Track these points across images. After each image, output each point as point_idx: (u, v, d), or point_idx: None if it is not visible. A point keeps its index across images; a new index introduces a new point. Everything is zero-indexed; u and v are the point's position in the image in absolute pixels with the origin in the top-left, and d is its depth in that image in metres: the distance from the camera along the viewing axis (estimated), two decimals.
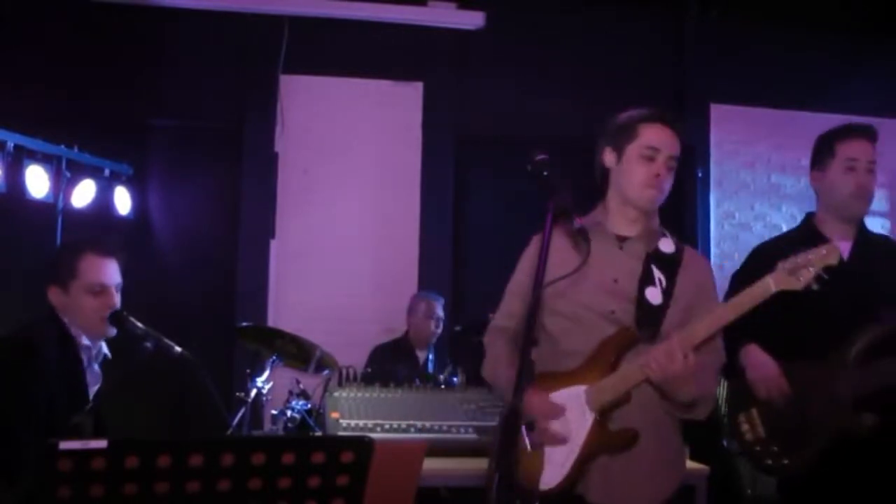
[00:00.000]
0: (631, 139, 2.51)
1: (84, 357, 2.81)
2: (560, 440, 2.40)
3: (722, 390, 4.51)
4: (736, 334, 2.98)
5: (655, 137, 2.49)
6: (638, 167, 2.48)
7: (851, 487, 2.83)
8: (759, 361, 2.92)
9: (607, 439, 2.41)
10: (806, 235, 3.05)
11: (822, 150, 3.04)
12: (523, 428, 2.41)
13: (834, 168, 2.99)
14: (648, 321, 2.43)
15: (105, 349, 2.90)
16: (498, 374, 2.57)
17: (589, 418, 2.41)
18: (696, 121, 6.40)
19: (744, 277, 3.13)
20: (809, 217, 3.12)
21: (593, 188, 2.67)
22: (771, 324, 2.91)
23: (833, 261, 2.38)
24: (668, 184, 2.52)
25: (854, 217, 3.01)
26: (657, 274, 2.48)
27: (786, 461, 2.88)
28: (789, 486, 3.01)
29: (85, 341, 2.82)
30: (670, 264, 2.51)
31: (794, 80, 6.40)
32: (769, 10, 6.15)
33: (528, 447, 2.42)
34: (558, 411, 2.41)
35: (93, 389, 2.84)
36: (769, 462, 2.92)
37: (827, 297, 2.86)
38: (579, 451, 2.40)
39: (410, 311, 5.43)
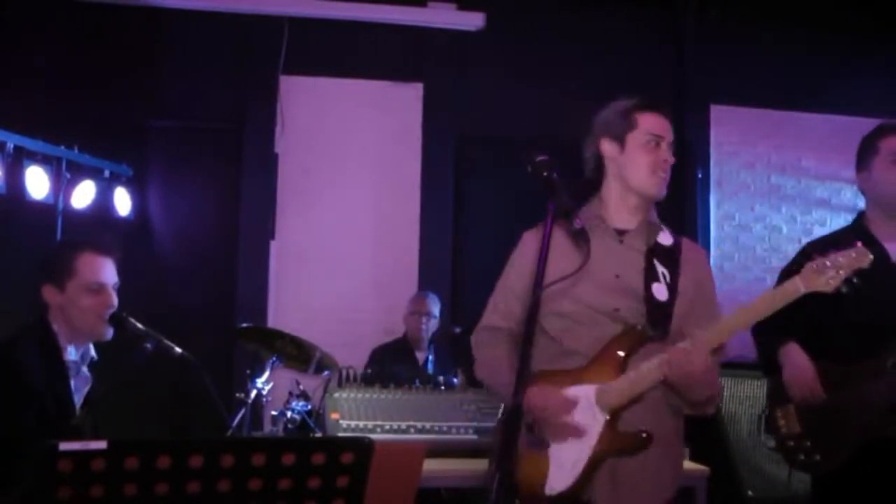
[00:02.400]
0: (632, 128, 2.48)
1: (72, 368, 2.77)
2: (572, 436, 2.32)
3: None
4: (776, 331, 3.02)
5: (657, 125, 2.48)
6: (644, 155, 2.46)
7: (886, 489, 2.84)
8: (796, 363, 2.94)
9: (620, 441, 2.34)
10: (855, 235, 3.06)
11: (865, 151, 3.06)
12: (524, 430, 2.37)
13: (878, 164, 3.00)
14: (658, 319, 2.37)
15: (92, 351, 2.87)
16: (498, 375, 2.48)
17: (600, 419, 2.34)
18: (696, 121, 6.39)
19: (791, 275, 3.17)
20: (860, 217, 3.12)
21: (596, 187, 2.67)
22: (813, 322, 2.94)
23: (864, 264, 2.27)
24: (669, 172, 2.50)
25: None
26: (660, 269, 2.42)
27: (818, 457, 2.90)
28: (823, 485, 3.02)
29: (71, 355, 2.78)
30: (671, 258, 2.46)
31: (794, 81, 6.40)
32: (769, 10, 6.15)
33: (527, 449, 2.35)
34: (570, 405, 2.34)
35: (83, 392, 2.82)
36: (801, 457, 2.94)
37: (874, 298, 2.88)
38: (591, 452, 2.32)
39: (405, 311, 5.44)
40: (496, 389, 2.54)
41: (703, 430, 4.69)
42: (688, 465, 4.01)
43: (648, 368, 2.32)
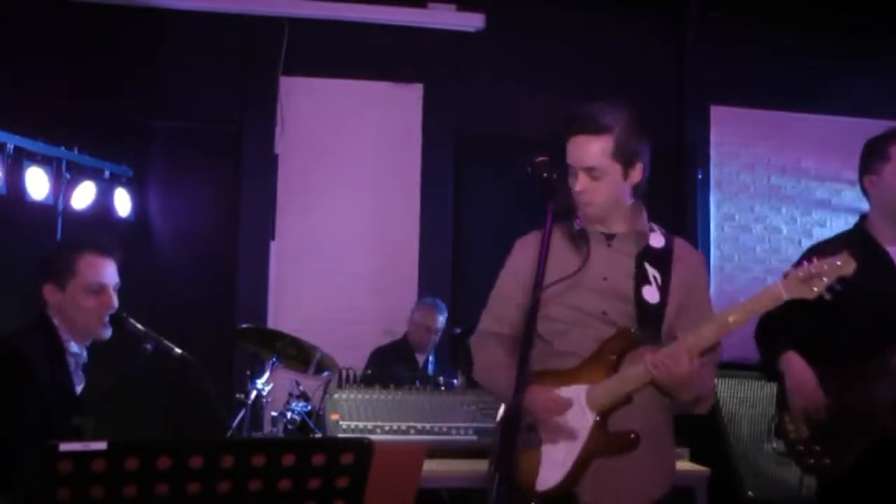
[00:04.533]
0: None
1: (72, 362, 2.78)
2: (563, 436, 2.37)
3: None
4: (776, 338, 3.02)
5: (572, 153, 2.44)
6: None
7: (893, 490, 2.84)
8: (797, 372, 2.93)
9: (607, 441, 2.39)
10: (857, 239, 3.04)
11: (875, 155, 3.01)
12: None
13: (889, 170, 2.96)
14: (649, 321, 2.39)
15: (84, 353, 2.87)
16: (496, 377, 2.52)
17: (590, 419, 2.39)
18: (696, 121, 6.40)
19: None
20: (862, 220, 3.09)
21: None
22: (816, 326, 2.93)
23: (848, 271, 2.29)
24: (588, 195, 2.42)
25: None
26: (651, 271, 2.43)
27: (827, 461, 2.90)
28: (830, 488, 3.01)
29: (73, 348, 2.79)
30: (662, 260, 2.47)
31: (793, 82, 6.40)
32: (769, 11, 6.15)
33: (523, 447, 2.39)
34: (563, 406, 2.38)
35: (78, 391, 2.82)
36: (811, 461, 2.94)
37: (877, 300, 2.88)
38: (580, 451, 2.37)
39: (411, 316, 5.42)
40: (495, 391, 2.61)
41: (703, 431, 4.69)
42: (688, 465, 4.01)
43: (636, 371, 2.35)
